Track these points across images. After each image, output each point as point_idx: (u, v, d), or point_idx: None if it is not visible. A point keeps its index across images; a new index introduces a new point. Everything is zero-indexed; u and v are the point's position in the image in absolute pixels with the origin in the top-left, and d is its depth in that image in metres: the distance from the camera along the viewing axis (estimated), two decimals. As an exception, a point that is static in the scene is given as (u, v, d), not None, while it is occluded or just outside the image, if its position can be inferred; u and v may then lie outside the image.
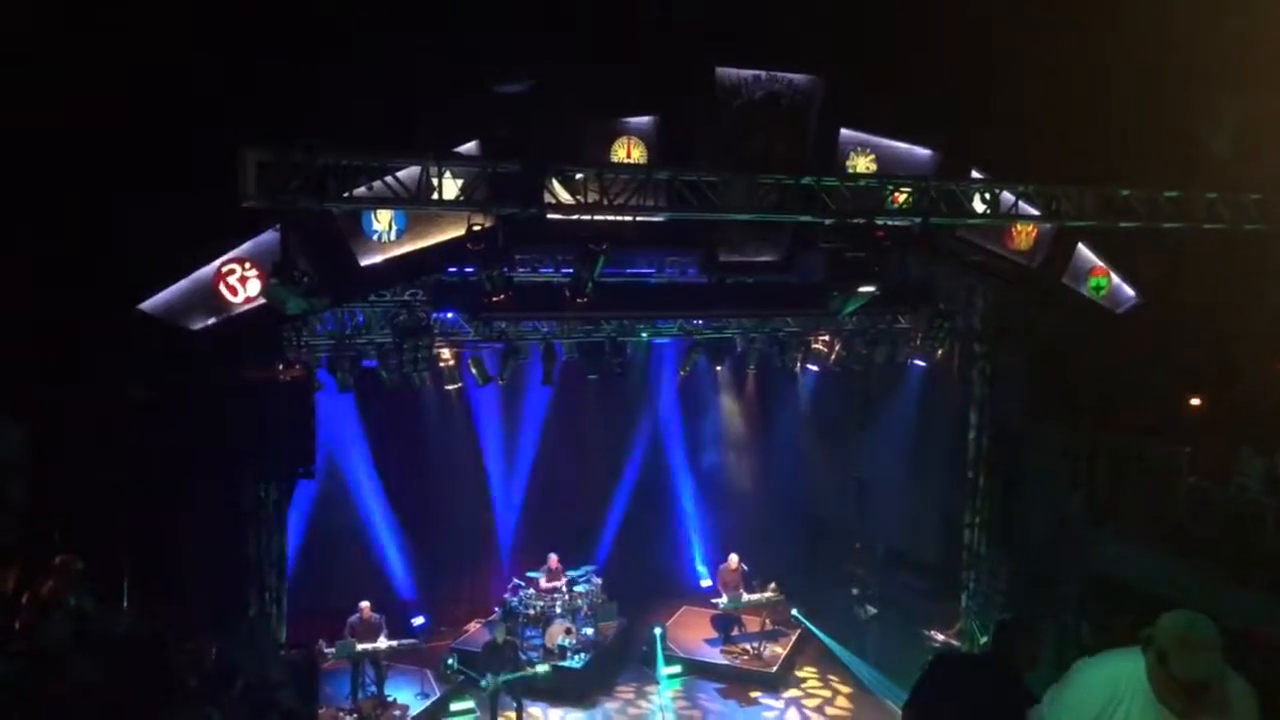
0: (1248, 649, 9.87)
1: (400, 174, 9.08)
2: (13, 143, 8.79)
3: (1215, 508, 12.11)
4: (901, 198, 10.65)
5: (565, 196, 9.61)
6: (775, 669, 15.90)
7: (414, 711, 14.11)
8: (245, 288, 9.70)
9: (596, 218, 10.09)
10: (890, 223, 10.56)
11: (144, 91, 9.11)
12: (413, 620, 16.00)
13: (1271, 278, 12.46)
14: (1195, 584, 11.21)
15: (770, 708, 14.99)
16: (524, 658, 14.38)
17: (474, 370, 14.00)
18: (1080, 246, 12.91)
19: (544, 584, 16.31)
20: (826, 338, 15.84)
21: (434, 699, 14.47)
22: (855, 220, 10.14)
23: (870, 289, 10.52)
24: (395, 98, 9.59)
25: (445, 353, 13.67)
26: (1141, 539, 12.27)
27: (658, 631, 16.19)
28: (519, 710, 13.88)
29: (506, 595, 16.35)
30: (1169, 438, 12.70)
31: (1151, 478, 12.72)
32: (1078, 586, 13.06)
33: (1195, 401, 13.19)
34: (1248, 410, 12.45)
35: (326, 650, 13.59)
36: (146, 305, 9.42)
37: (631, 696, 15.41)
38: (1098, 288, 13.24)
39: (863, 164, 11.57)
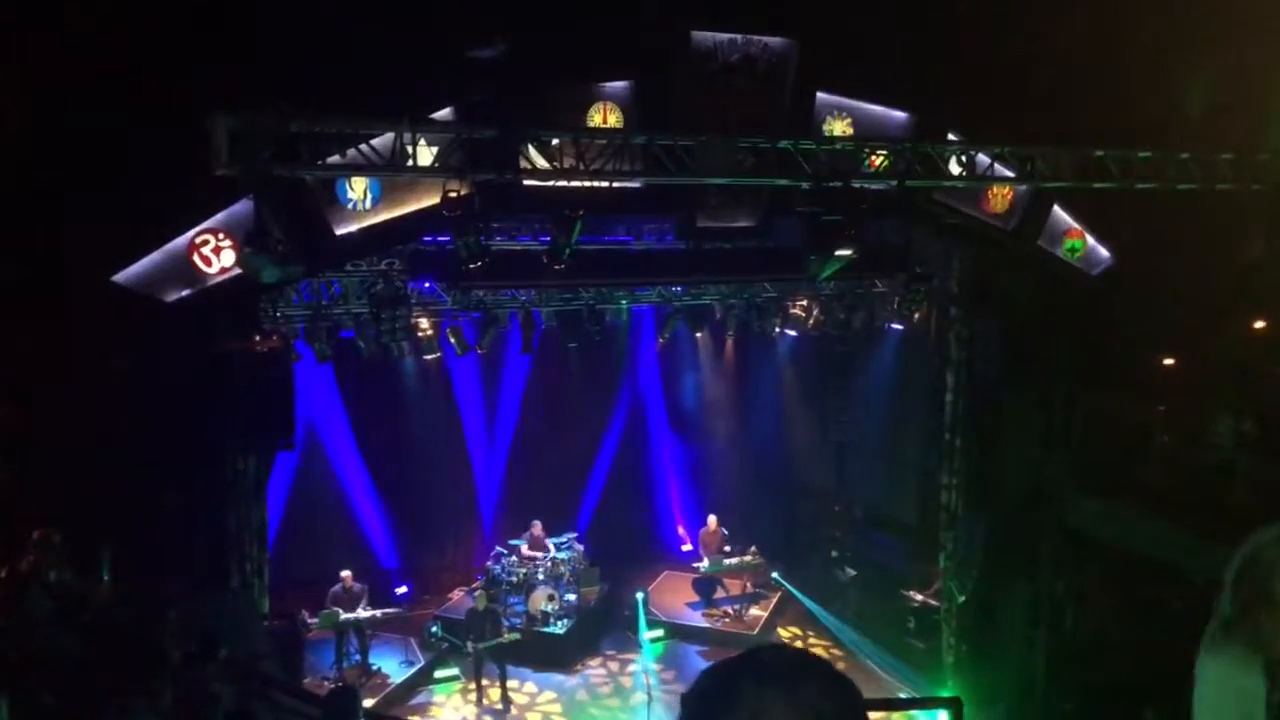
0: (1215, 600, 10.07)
1: (374, 141, 9.00)
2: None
3: (1188, 466, 12.31)
4: (878, 161, 10.67)
5: (541, 162, 9.55)
6: (756, 631, 16.09)
7: (398, 679, 14.21)
8: (219, 258, 9.59)
9: (573, 184, 10.05)
10: (866, 186, 10.57)
11: (113, 61, 8.95)
12: (396, 589, 16.05)
13: (1243, 237, 12.57)
14: (1168, 541, 11.41)
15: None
16: (507, 624, 14.48)
17: (452, 340, 13.96)
18: (1055, 209, 12.97)
19: (526, 551, 16.38)
20: (804, 302, 15.89)
21: (418, 666, 14.58)
22: (832, 184, 10.14)
23: (847, 253, 10.55)
24: (368, 64, 9.46)
25: (423, 322, 13.61)
26: (1116, 497, 12.46)
27: (640, 596, 16.33)
28: (502, 676, 14.00)
29: (489, 563, 16.42)
30: (1143, 397, 12.85)
31: (1126, 437, 12.89)
32: (1053, 545, 13.26)
33: (1169, 361, 13.34)
34: (1220, 370, 12.61)
35: (309, 620, 13.62)
36: (120, 277, 9.32)
37: (614, 661, 15.57)
38: (1073, 250, 13.30)
39: (839, 127, 11.52)
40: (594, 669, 15.31)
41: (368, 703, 12.33)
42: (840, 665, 14.93)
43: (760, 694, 1.53)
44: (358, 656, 14.20)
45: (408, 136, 8.99)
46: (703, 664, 15.28)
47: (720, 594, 16.85)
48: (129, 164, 8.87)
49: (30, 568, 7.81)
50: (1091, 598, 12.71)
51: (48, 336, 9.20)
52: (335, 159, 8.91)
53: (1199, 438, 12.34)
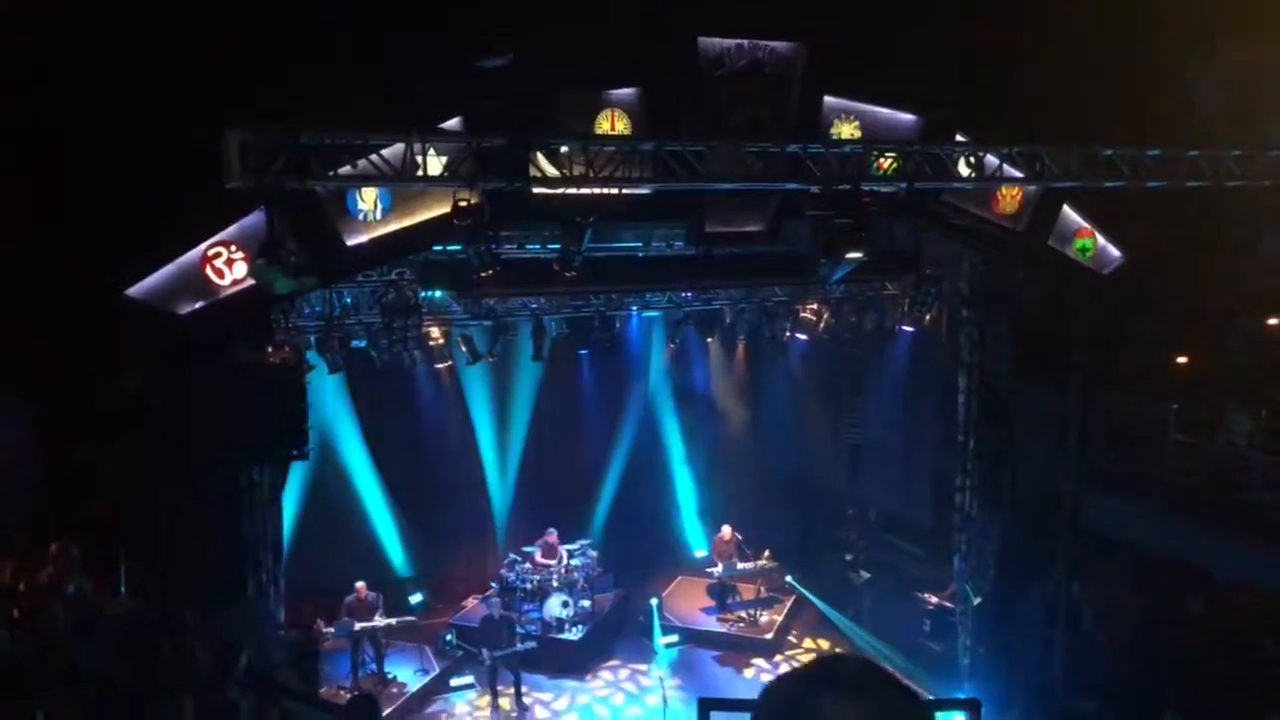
0: (1236, 600, 10.03)
1: (384, 151, 9.04)
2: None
3: (1203, 463, 12.26)
4: (886, 163, 10.65)
5: (550, 170, 9.57)
6: (771, 635, 16.07)
7: (413, 688, 14.23)
8: (232, 270, 9.65)
9: (582, 191, 10.07)
10: (875, 189, 10.56)
11: (124, 74, 9.02)
12: (410, 598, 16.08)
13: (1254, 234, 12.54)
14: (1186, 540, 11.36)
15: (767, 673, 15.14)
16: (522, 631, 14.48)
17: (463, 348, 13.98)
18: (1065, 209, 12.93)
19: (540, 558, 16.39)
20: (815, 306, 15.86)
21: (433, 675, 14.60)
22: (840, 187, 10.13)
23: (857, 256, 10.53)
24: (377, 75, 9.51)
25: (434, 331, 13.65)
26: (1131, 496, 12.42)
27: (654, 602, 16.33)
28: (517, 683, 14.00)
29: (503, 570, 16.42)
30: (1156, 396, 12.80)
31: (1140, 435, 12.84)
32: (1069, 545, 13.22)
33: (1182, 359, 13.29)
34: (1234, 366, 12.56)
35: (325, 630, 13.65)
36: (134, 290, 9.38)
37: (630, 666, 15.55)
38: (1084, 249, 13.26)
39: (847, 131, 11.53)
40: (609, 675, 15.29)
41: (384, 712, 12.35)
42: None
43: (838, 711, 1.53)
44: (373, 665, 14.24)
45: (417, 146, 9.01)
46: (718, 669, 15.35)
47: (734, 599, 16.84)
48: (141, 178, 8.94)
49: (49, 580, 7.87)
50: (1109, 597, 12.65)
51: (62, 349, 9.27)
52: (346, 170, 8.95)
53: (1214, 435, 12.28)
